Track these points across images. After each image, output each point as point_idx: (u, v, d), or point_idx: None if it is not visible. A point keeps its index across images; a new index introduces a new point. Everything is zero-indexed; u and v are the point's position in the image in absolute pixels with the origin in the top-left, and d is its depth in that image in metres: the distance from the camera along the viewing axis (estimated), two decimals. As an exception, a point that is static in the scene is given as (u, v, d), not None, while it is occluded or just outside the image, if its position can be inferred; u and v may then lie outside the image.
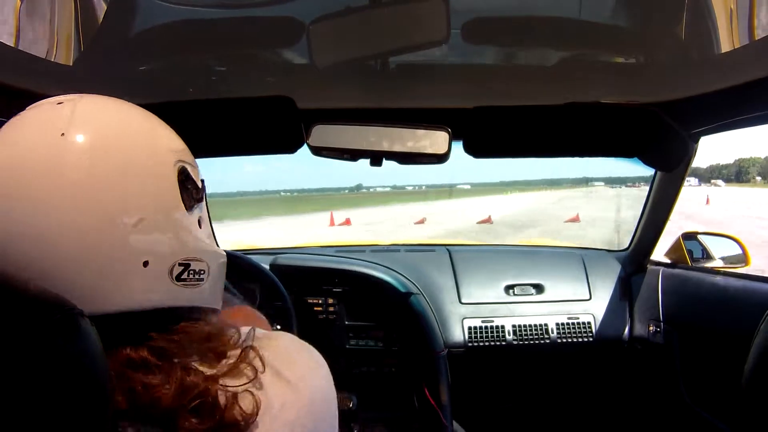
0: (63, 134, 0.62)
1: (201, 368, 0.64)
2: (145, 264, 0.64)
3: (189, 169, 0.72)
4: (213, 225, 2.17)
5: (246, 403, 0.62)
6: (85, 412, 0.52)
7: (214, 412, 0.60)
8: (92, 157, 0.62)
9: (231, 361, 0.66)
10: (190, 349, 0.66)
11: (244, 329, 0.72)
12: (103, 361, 0.55)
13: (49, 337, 0.49)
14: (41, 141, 0.62)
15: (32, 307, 0.51)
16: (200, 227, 0.73)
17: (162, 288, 0.66)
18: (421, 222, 19.60)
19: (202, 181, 0.75)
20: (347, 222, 18.80)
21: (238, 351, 0.67)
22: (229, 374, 0.64)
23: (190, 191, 0.71)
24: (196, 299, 0.71)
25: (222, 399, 0.62)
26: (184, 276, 0.68)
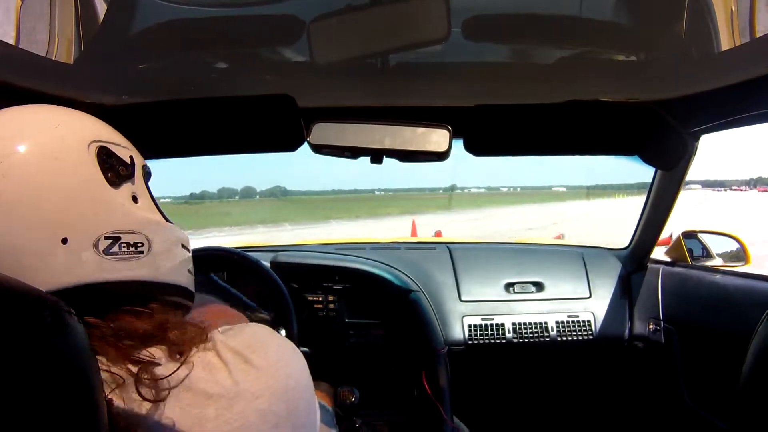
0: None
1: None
2: (64, 241, 0.66)
3: (112, 148, 0.74)
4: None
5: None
6: (76, 410, 0.52)
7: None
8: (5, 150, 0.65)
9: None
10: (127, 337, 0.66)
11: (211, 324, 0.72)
12: (90, 359, 0.56)
13: (39, 336, 0.50)
14: None
15: (20, 304, 0.51)
16: (136, 202, 0.75)
17: (89, 263, 0.67)
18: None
19: (131, 157, 0.77)
20: (438, 235, 15.01)
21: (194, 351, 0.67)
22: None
23: (116, 168, 0.73)
24: (140, 273, 0.72)
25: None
26: (115, 249, 0.69)
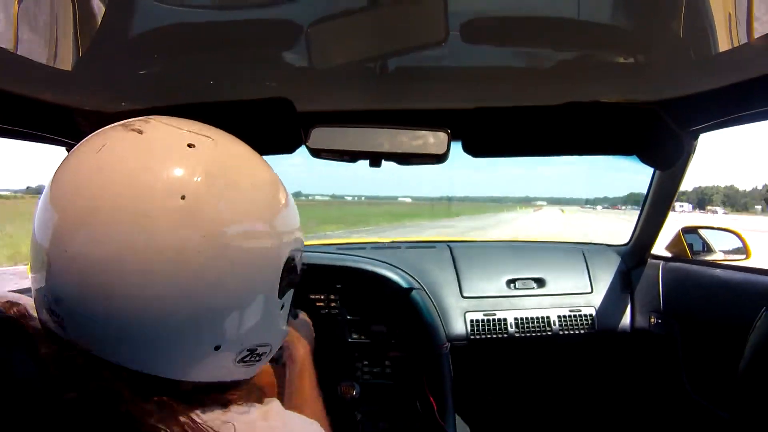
0: (183, 197, 0.58)
1: None
2: (217, 348, 0.62)
3: (297, 256, 0.71)
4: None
5: None
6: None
7: None
8: (207, 233, 0.59)
9: None
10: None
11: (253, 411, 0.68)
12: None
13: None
14: (159, 194, 0.58)
15: None
16: (281, 309, 0.71)
17: (224, 368, 0.65)
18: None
19: (304, 266, 0.74)
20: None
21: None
22: None
23: (291, 278, 0.70)
24: (245, 375, 0.69)
25: None
26: (247, 359, 0.67)
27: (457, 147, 1.25)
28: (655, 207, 2.03)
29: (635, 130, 1.28)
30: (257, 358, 0.68)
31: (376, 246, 2.47)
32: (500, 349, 2.10)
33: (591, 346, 2.15)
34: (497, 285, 2.17)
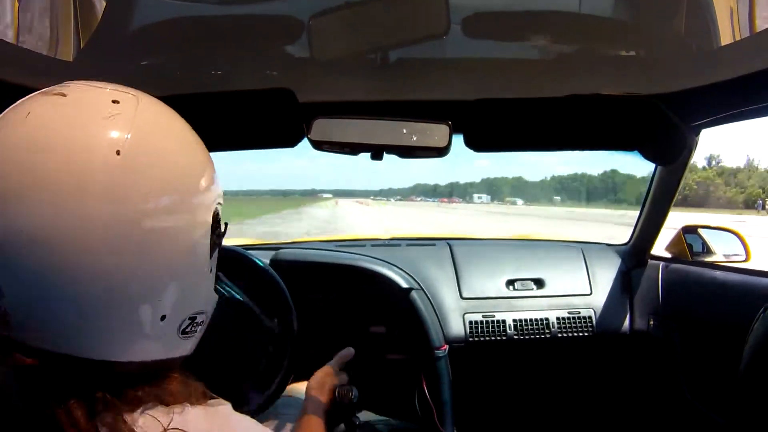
0: (118, 152, 0.56)
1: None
2: (162, 318, 0.60)
3: (220, 210, 0.68)
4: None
5: None
6: None
7: None
8: (142, 192, 0.57)
9: None
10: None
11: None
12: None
13: None
14: (95, 154, 0.56)
15: None
16: (210, 272, 0.68)
17: (168, 341, 0.63)
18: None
19: (226, 224, 0.71)
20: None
21: None
22: None
23: (217, 235, 0.67)
24: (188, 349, 0.67)
25: None
26: (188, 329, 0.64)
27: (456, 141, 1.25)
28: (655, 204, 2.03)
29: (637, 124, 1.28)
30: (194, 329, 0.65)
31: (376, 243, 2.46)
32: (499, 352, 2.09)
33: (589, 348, 2.14)
34: (496, 285, 2.16)
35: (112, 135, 0.57)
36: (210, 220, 0.64)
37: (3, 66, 1.11)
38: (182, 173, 0.62)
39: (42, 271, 0.53)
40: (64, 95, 0.59)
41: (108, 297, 0.56)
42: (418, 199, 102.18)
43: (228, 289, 1.48)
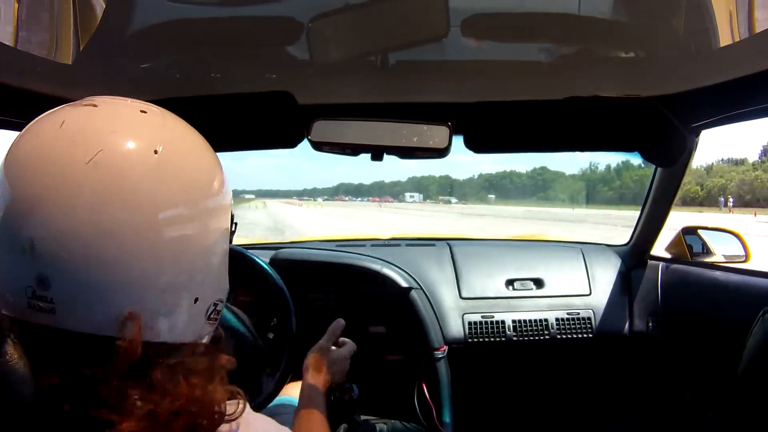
0: (156, 152, 0.61)
1: None
2: (195, 301, 0.64)
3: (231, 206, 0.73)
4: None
5: None
6: None
7: None
8: (181, 189, 0.62)
9: None
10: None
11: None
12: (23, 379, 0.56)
13: None
14: (135, 155, 0.60)
15: None
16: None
17: (198, 326, 0.66)
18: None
19: (236, 222, 0.76)
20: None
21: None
22: None
23: (231, 232, 0.73)
24: (208, 336, 0.70)
25: None
26: (213, 315, 0.69)
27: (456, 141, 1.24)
28: (656, 206, 2.03)
29: (637, 125, 1.28)
30: (217, 315, 0.70)
31: (376, 243, 2.46)
32: (498, 353, 2.09)
33: (589, 349, 2.14)
34: (496, 285, 2.16)
35: (148, 138, 0.61)
36: (229, 217, 0.71)
37: (3, 69, 1.11)
38: (207, 178, 0.67)
39: (86, 263, 0.57)
40: (95, 105, 0.63)
41: (146, 283, 0.60)
42: (346, 198, 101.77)
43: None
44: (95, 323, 0.58)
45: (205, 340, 0.69)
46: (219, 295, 0.69)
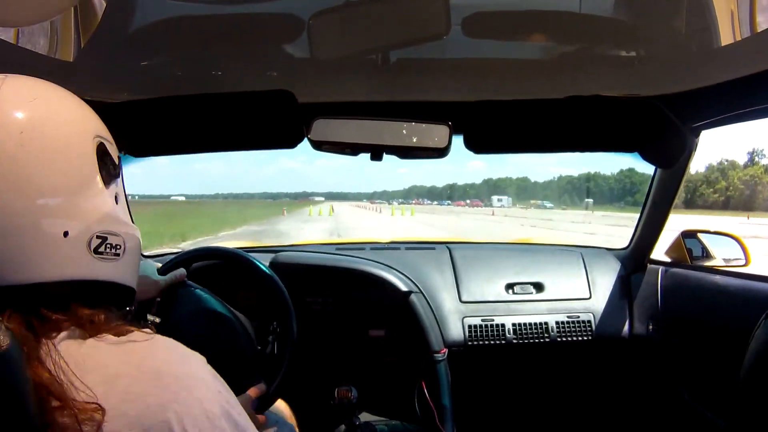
0: None
1: None
2: (65, 234, 0.66)
3: (107, 145, 0.75)
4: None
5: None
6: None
7: None
8: (18, 133, 0.64)
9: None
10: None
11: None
12: (19, 369, 0.58)
13: None
14: None
15: None
16: (116, 203, 0.75)
17: (81, 260, 0.68)
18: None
19: (119, 157, 0.78)
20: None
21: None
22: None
23: (108, 167, 0.74)
24: (114, 275, 0.73)
25: None
26: (101, 249, 0.70)
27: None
28: (656, 207, 2.02)
29: (637, 125, 1.28)
30: (112, 250, 0.72)
31: (375, 246, 2.45)
32: (498, 356, 2.08)
33: (589, 352, 2.13)
34: (496, 289, 2.15)
35: None
36: (90, 152, 0.71)
37: (4, 67, 1.10)
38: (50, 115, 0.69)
39: None
40: None
41: (6, 220, 0.63)
42: (427, 202, 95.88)
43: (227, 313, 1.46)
44: None
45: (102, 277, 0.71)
46: (102, 227, 0.71)
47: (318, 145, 1.21)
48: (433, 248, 2.38)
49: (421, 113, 1.20)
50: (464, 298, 2.11)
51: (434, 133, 1.17)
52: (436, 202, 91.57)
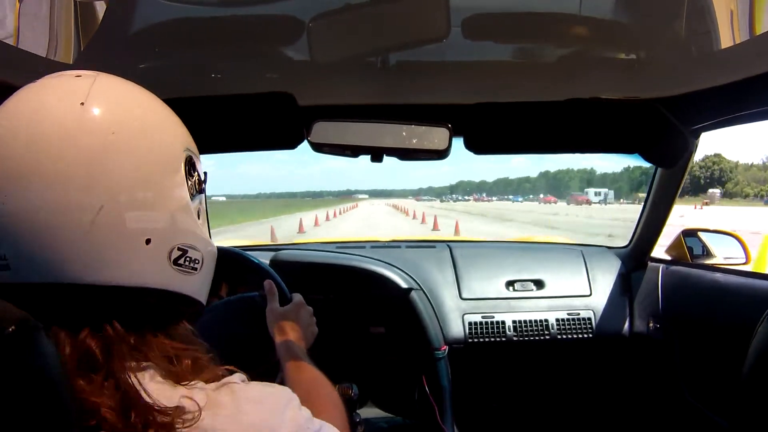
0: (82, 104, 0.63)
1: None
2: (148, 242, 0.66)
3: (195, 159, 0.75)
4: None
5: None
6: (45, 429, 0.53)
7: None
8: (110, 130, 0.64)
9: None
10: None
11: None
12: (62, 378, 0.56)
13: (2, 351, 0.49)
14: (62, 109, 0.63)
15: None
16: (199, 219, 0.75)
17: (159, 269, 0.68)
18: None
19: (205, 173, 0.78)
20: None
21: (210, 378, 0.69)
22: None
23: (194, 181, 0.74)
24: (188, 288, 0.72)
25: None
26: (181, 261, 0.70)
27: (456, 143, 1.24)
28: (656, 207, 2.03)
29: (638, 127, 1.28)
30: (190, 264, 0.72)
31: (376, 245, 2.46)
32: (498, 353, 2.09)
33: (589, 350, 2.14)
34: (496, 286, 2.16)
35: (74, 93, 0.65)
36: (179, 163, 0.71)
37: (3, 68, 1.10)
38: (144, 124, 0.69)
39: (32, 207, 0.61)
40: None
41: (95, 220, 0.62)
42: (492, 198, 75.91)
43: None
44: (52, 271, 0.62)
45: (177, 289, 0.71)
46: (184, 240, 0.71)
47: (318, 148, 1.21)
48: (434, 246, 2.39)
49: (421, 115, 1.20)
50: (465, 295, 2.12)
51: (434, 135, 1.17)
52: (517, 199, 70.15)
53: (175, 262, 0.69)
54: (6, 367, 0.49)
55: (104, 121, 0.64)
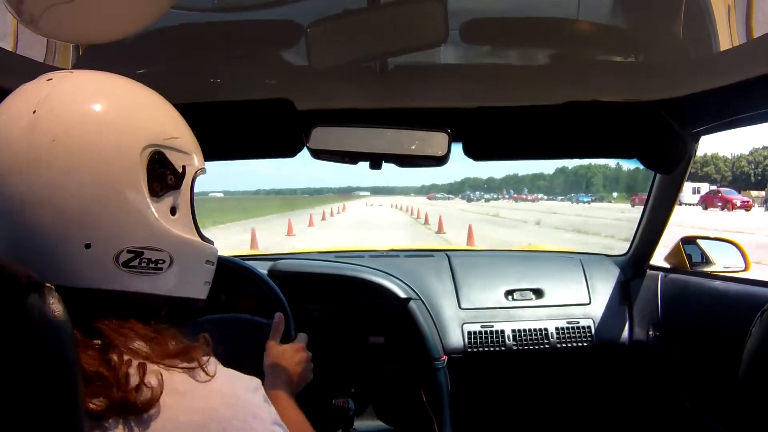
0: (35, 112, 0.64)
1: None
2: (87, 246, 0.65)
3: (168, 154, 0.72)
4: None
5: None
6: (54, 389, 0.52)
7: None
8: (50, 138, 0.63)
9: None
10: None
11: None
12: (71, 329, 0.55)
13: (14, 307, 0.49)
14: (16, 114, 0.64)
15: None
16: (173, 215, 0.72)
17: (106, 272, 0.66)
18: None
19: (184, 167, 0.74)
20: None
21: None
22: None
23: (164, 177, 0.71)
24: (153, 288, 0.70)
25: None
26: (135, 264, 0.68)
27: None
28: (655, 214, 2.03)
29: (636, 131, 1.28)
30: (150, 265, 0.69)
31: (374, 254, 2.45)
32: (498, 362, 2.07)
33: (589, 358, 2.13)
34: (495, 296, 2.15)
35: (28, 99, 0.66)
36: (134, 163, 0.68)
37: (2, 73, 1.10)
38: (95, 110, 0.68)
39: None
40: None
41: (31, 229, 0.64)
42: (510, 196, 65.87)
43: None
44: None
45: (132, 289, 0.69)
46: (140, 242, 0.68)
47: (317, 154, 1.21)
48: (432, 255, 2.38)
49: (420, 120, 1.20)
50: (463, 305, 2.10)
51: (433, 141, 1.17)
52: (564, 197, 57.56)
53: (126, 264, 0.67)
54: (24, 315, 0.50)
55: (47, 130, 0.63)
